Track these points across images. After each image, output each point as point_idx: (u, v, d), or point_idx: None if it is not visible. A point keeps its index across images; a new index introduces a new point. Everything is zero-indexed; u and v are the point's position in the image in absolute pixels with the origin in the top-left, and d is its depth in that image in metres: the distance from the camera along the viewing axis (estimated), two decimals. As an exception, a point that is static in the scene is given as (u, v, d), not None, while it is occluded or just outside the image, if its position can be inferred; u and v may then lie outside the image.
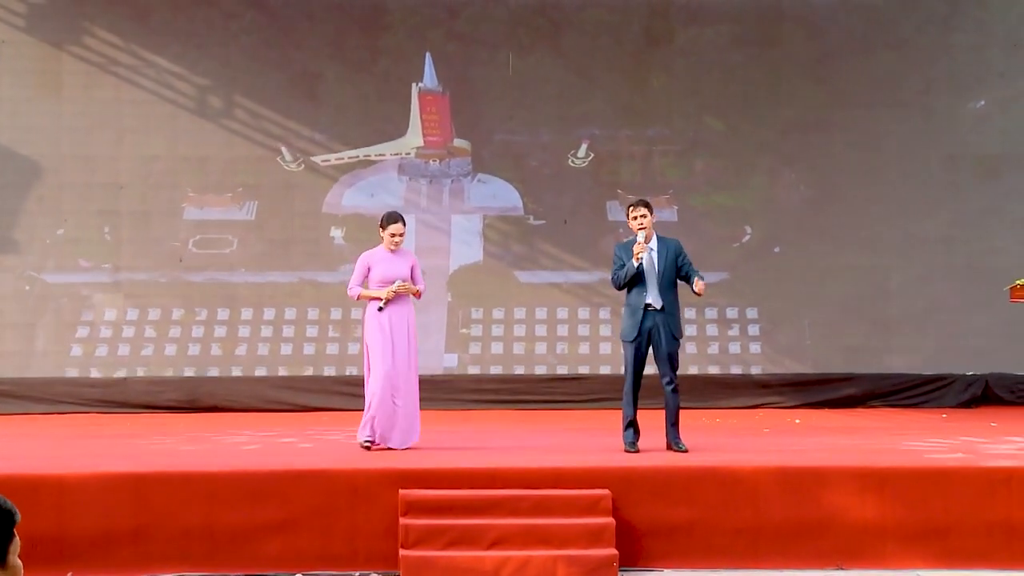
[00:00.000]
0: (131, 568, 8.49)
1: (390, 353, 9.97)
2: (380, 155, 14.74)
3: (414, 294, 10.13)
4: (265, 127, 14.66)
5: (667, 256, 9.92)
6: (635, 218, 9.94)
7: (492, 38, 14.86)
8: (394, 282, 10.02)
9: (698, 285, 9.84)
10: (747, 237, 14.91)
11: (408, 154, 14.72)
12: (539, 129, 14.84)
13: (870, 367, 14.60)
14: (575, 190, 14.81)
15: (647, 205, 9.99)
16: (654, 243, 9.97)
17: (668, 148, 14.98)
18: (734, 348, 14.58)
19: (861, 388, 14.53)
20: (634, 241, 9.88)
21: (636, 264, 9.82)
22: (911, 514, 8.81)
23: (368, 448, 9.95)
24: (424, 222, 14.59)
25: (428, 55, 14.67)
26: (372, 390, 9.99)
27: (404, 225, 10.23)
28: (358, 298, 10.25)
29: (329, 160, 14.64)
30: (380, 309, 10.01)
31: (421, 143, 14.72)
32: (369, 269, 10.16)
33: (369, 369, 10.10)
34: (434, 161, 14.64)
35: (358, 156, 14.73)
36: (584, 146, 14.82)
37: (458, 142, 14.81)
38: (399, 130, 14.72)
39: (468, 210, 14.75)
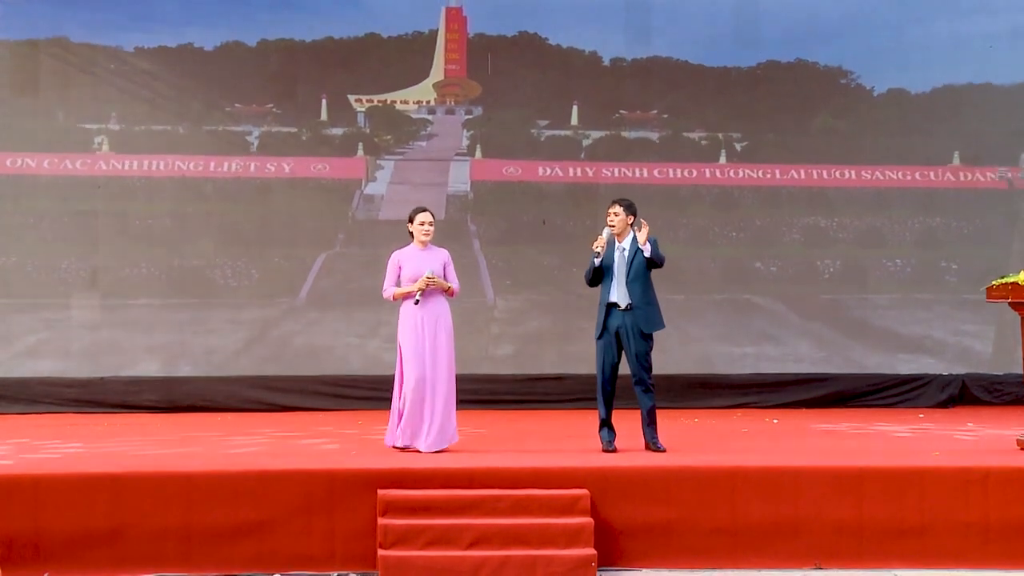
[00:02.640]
0: (107, 569, 8.47)
1: (423, 354, 9.86)
2: (404, 100, 14.74)
3: (446, 290, 9.97)
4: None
5: (637, 253, 9.90)
6: (608, 215, 9.97)
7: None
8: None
9: (640, 235, 9.80)
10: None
11: (428, 102, 14.75)
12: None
13: (844, 367, 14.69)
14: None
15: (624, 204, 9.99)
16: (627, 242, 9.97)
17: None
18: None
19: (838, 388, 14.60)
20: (614, 240, 9.91)
21: (597, 260, 9.85)
22: (888, 513, 8.85)
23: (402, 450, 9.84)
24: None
25: None
26: (404, 392, 9.88)
27: (432, 215, 10.07)
28: (393, 298, 10.06)
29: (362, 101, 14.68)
30: (416, 302, 9.83)
31: (442, 76, 14.75)
32: (400, 268, 10.02)
33: (401, 370, 9.95)
34: (450, 103, 14.68)
35: (386, 100, 14.71)
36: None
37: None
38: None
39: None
